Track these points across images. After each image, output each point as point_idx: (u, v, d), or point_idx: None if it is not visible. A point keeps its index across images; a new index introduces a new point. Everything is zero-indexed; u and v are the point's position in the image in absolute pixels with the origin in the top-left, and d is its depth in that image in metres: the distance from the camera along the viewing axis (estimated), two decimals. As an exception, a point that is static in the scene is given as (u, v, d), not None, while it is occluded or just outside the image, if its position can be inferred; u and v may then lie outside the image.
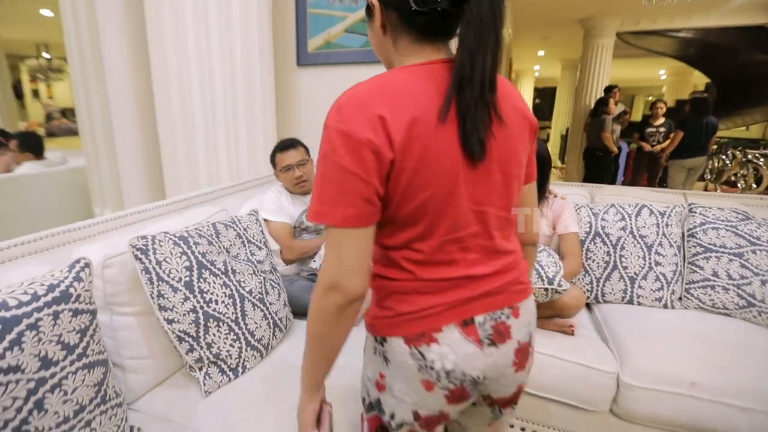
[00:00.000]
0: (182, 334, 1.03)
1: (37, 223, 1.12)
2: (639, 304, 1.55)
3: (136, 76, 1.83)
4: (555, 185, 1.97)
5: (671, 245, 1.57)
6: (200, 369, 1.08)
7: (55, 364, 0.73)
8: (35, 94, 5.23)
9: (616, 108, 4.58)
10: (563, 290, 1.28)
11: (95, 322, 0.83)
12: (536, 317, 0.73)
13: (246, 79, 1.97)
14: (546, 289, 1.28)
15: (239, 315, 1.12)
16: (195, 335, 1.04)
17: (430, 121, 0.56)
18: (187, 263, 1.06)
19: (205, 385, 1.06)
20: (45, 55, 5.10)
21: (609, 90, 4.66)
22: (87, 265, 0.85)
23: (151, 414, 1.03)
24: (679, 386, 1.16)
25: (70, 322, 0.77)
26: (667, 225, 1.59)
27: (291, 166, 1.65)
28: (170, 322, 1.02)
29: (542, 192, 1.51)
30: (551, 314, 1.42)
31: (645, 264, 1.56)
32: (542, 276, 1.29)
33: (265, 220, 1.61)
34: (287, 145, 1.68)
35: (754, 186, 3.59)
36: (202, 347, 1.06)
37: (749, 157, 3.68)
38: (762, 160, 3.58)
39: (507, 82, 0.65)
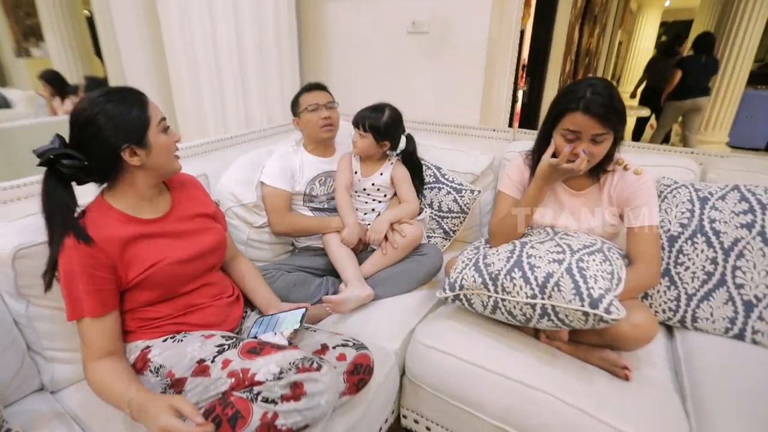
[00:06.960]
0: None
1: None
2: (755, 342, 1.01)
3: (147, 20, 1.69)
4: (640, 151, 1.39)
5: (832, 260, 0.97)
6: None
7: None
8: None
9: None
10: (613, 320, 0.83)
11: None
12: None
13: (253, 14, 1.67)
14: (585, 314, 0.85)
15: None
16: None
17: None
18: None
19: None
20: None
21: None
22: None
23: (67, 406, 0.91)
24: None
25: None
26: (830, 227, 0.98)
27: (318, 106, 1.39)
28: None
29: (605, 161, 1.00)
30: (599, 343, 0.98)
31: (777, 284, 1.00)
32: (582, 293, 0.85)
33: (261, 183, 1.38)
34: (316, 86, 1.45)
35: None
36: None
37: None
38: None
39: None
